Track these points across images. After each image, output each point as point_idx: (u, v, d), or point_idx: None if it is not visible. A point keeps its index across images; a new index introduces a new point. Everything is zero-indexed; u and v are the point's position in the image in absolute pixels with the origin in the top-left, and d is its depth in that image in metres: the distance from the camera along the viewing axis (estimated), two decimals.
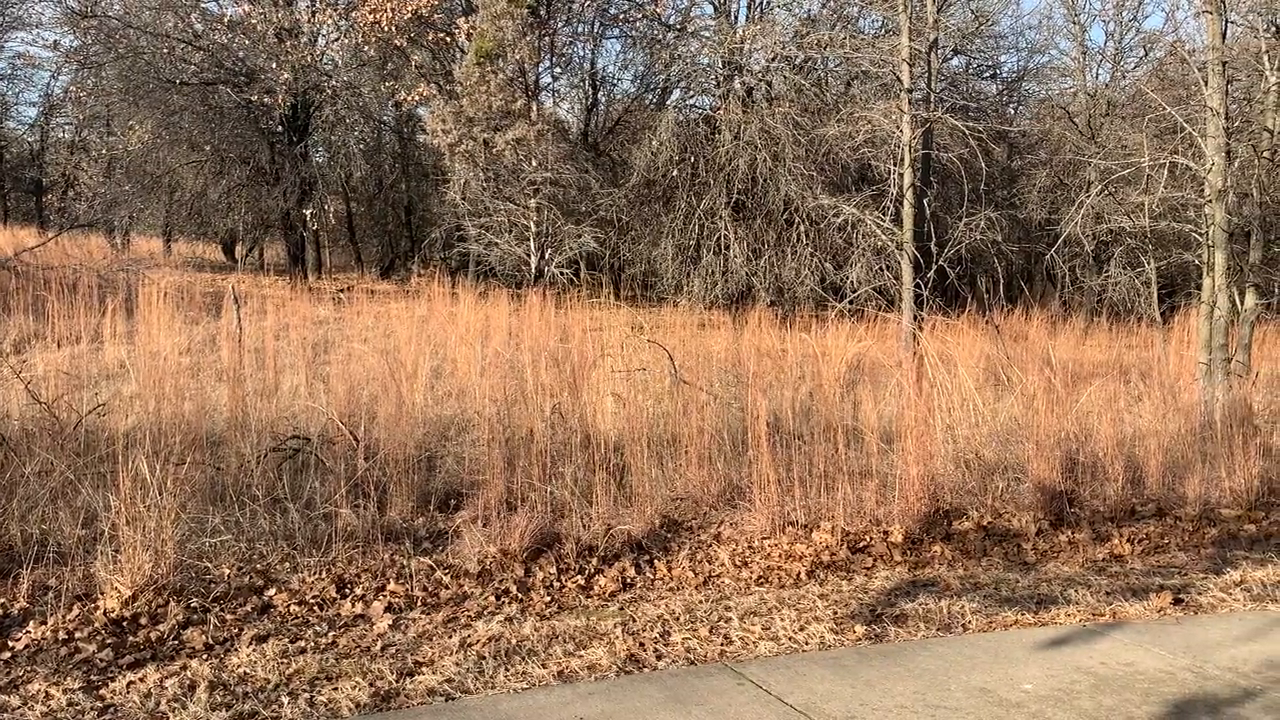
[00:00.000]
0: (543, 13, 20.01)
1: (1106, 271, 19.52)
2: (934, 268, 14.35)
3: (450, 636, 4.98)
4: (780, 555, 6.39)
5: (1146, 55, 27.72)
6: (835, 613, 5.53)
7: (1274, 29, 12.67)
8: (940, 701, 4.40)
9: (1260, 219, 13.85)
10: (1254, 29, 13.06)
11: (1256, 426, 9.47)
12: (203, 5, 21.40)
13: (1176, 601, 5.95)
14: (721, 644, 5.07)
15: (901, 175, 14.69)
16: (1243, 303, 11.94)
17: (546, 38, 20.76)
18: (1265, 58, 12.68)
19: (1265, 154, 13.04)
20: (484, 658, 4.73)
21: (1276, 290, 19.50)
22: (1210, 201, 10.84)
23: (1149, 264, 16.24)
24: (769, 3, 22.95)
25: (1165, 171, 12.97)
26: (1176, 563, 6.81)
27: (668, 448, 7.59)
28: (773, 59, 21.02)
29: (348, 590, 5.48)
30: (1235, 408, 9.36)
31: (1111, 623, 5.57)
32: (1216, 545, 7.23)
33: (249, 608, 5.19)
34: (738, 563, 6.29)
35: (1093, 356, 13.93)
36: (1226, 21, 11.52)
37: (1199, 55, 15.35)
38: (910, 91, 14.80)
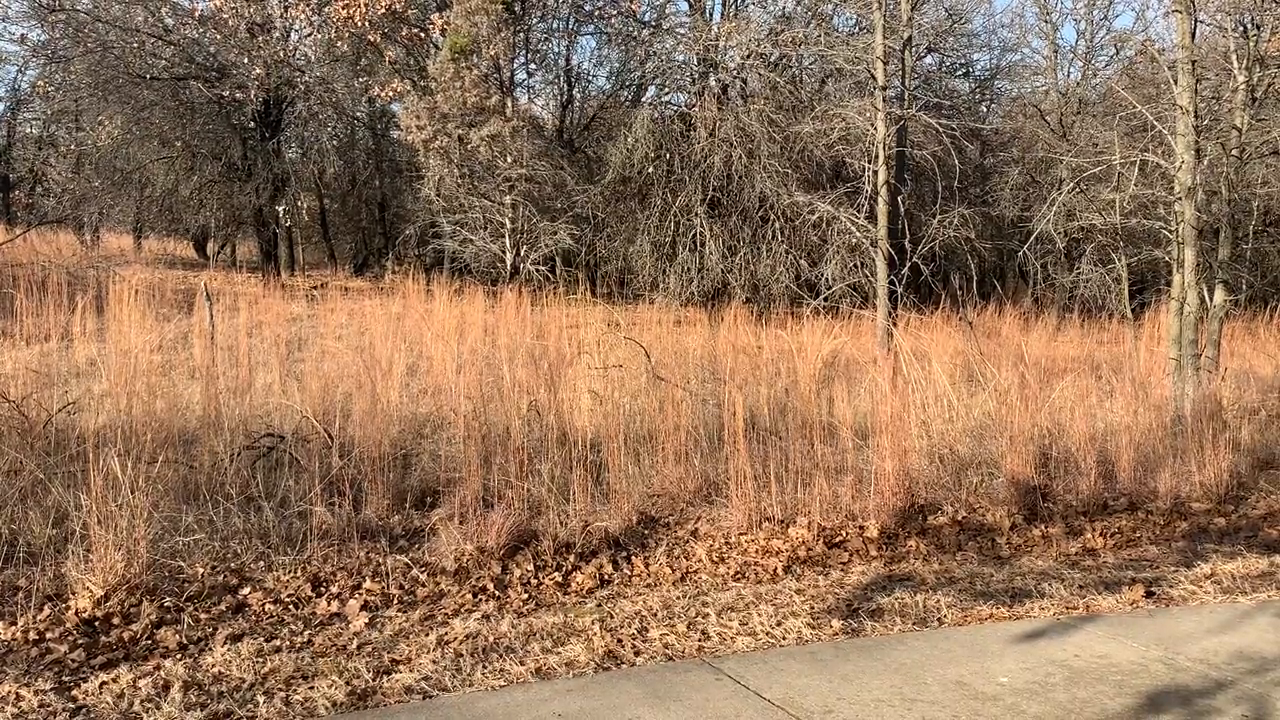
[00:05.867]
0: (517, 9, 19.93)
1: (1078, 268, 19.71)
2: (908, 264, 14.42)
3: (427, 634, 4.96)
4: (757, 551, 6.41)
5: (1117, 54, 27.98)
6: (812, 608, 5.54)
7: (1242, 29, 12.81)
8: (917, 695, 4.42)
9: (1229, 216, 14.00)
10: (1222, 28, 13.19)
11: (1226, 421, 9.59)
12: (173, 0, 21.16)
13: (1148, 594, 6.01)
14: (699, 640, 5.07)
15: (876, 172, 14.74)
16: (1212, 299, 12.07)
17: (521, 34, 20.69)
18: (1233, 57, 12.81)
19: (1234, 152, 13.18)
20: (461, 655, 4.72)
21: (1245, 287, 19.77)
22: (1180, 199, 10.95)
23: (1120, 261, 16.41)
24: (744, 0, 22.99)
25: (1136, 169, 13.10)
26: (1148, 556, 6.88)
27: (645, 444, 7.60)
28: (748, 56, 21.04)
29: (323, 589, 5.45)
30: (1205, 403, 9.47)
31: (1085, 616, 5.63)
32: (1187, 538, 7.31)
33: (223, 607, 5.15)
34: (715, 559, 6.30)
35: (1065, 352, 14.05)
36: (1195, 21, 11.62)
37: (1169, 54, 15.51)
38: (884, 89, 14.86)
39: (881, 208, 14.59)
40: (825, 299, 15.80)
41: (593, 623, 5.18)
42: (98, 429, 6.49)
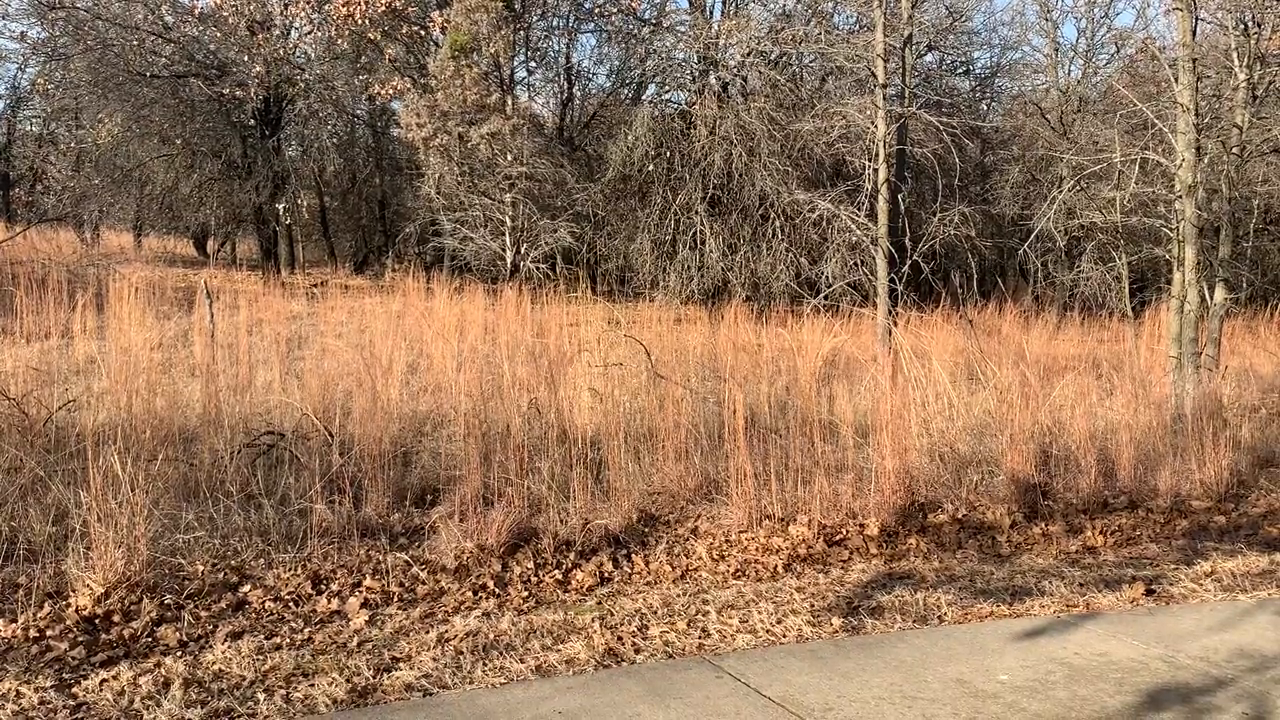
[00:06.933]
0: (518, 6, 19.92)
1: (1078, 266, 19.71)
2: (908, 263, 14.41)
3: (427, 632, 4.96)
4: (757, 549, 6.41)
5: (1118, 52, 27.98)
6: (812, 605, 5.54)
7: (1243, 26, 12.80)
8: (917, 693, 4.42)
9: (1229, 214, 14.00)
10: (1223, 26, 13.19)
11: (1226, 420, 9.59)
12: None
13: (1149, 592, 6.01)
14: (699, 637, 5.07)
15: (876, 170, 14.74)
16: (1212, 297, 12.06)
17: (521, 32, 20.68)
18: (1234, 55, 12.80)
19: (1234, 150, 13.18)
20: (461, 653, 4.72)
21: (1245, 285, 19.76)
22: (1180, 197, 10.95)
23: (1120, 259, 16.40)
24: None
25: (1136, 167, 13.09)
26: (1148, 554, 6.88)
27: (645, 442, 7.59)
28: (748, 54, 21.03)
29: (323, 586, 5.45)
30: (1205, 401, 9.47)
31: (1085, 614, 5.63)
32: (1187, 536, 7.31)
33: (223, 604, 5.15)
34: (715, 556, 6.30)
35: (1065, 350, 14.05)
36: (1196, 19, 11.62)
37: (1169, 52, 15.51)
38: (885, 87, 14.85)
39: (882, 206, 14.58)
40: (825, 297, 15.79)
41: (593, 620, 5.18)
42: (98, 427, 6.49)
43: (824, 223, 17.35)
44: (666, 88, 23.94)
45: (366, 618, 5.11)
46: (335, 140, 25.89)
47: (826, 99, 20.40)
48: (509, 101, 19.45)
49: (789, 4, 22.51)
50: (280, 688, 4.32)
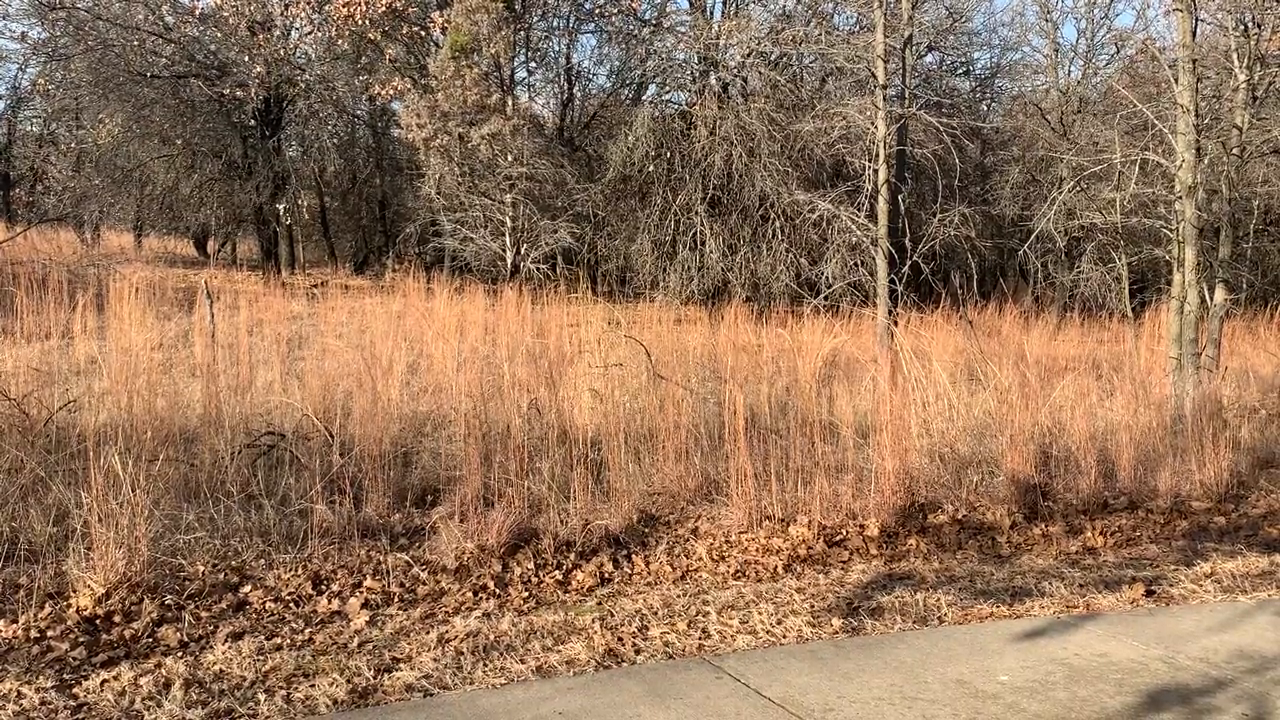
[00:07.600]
0: (518, 7, 19.93)
1: (1078, 267, 19.71)
2: (908, 263, 14.43)
3: (428, 633, 4.96)
4: (757, 549, 6.41)
5: (1118, 53, 27.96)
6: (812, 606, 5.55)
7: (1243, 27, 12.80)
8: (917, 693, 4.43)
9: (1229, 215, 14.00)
10: (1223, 27, 13.19)
11: (1226, 420, 9.59)
12: None
13: (1149, 593, 6.02)
14: (699, 638, 5.08)
15: (876, 171, 14.75)
16: (1212, 298, 12.06)
17: (522, 32, 20.68)
18: (1234, 55, 12.80)
19: (1234, 151, 13.18)
20: (462, 654, 4.72)
21: (1245, 286, 19.76)
22: (1180, 198, 10.95)
23: (1120, 259, 16.40)
24: None
25: (1136, 168, 13.09)
26: (1148, 555, 6.88)
27: (645, 443, 7.60)
28: (748, 55, 21.03)
29: (324, 587, 5.45)
30: (1205, 402, 9.47)
31: (1085, 614, 5.63)
32: (1187, 537, 7.31)
33: (224, 605, 5.15)
34: (715, 557, 6.30)
35: (1065, 351, 14.05)
36: (1196, 19, 11.63)
37: (1169, 53, 15.51)
38: (885, 88, 14.86)
39: (882, 206, 14.59)
40: (825, 297, 15.80)
41: (593, 621, 5.18)
42: (98, 427, 6.49)
43: (824, 223, 17.36)
44: (667, 88, 23.95)
45: (367, 618, 5.12)
46: (335, 140, 25.91)
47: (827, 100, 20.41)
48: (509, 102, 19.45)
49: (789, 4, 22.52)
50: (281, 688, 4.32)
